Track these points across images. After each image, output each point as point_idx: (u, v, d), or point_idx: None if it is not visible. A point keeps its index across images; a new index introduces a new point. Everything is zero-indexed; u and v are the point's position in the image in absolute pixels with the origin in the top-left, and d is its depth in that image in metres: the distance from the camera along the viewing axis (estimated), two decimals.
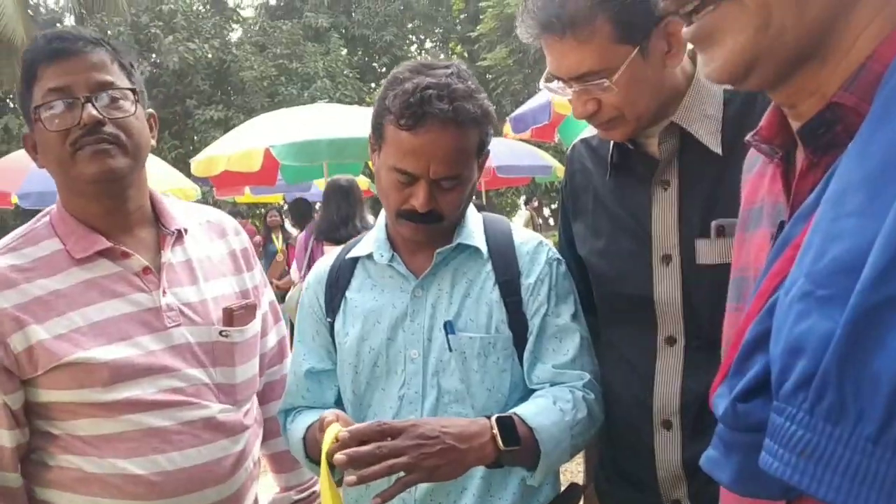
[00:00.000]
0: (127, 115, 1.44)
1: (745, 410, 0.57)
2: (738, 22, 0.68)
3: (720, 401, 0.61)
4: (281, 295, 6.38)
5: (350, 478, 1.25)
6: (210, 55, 19.56)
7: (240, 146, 7.26)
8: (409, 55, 25.31)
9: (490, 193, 16.28)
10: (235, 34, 22.76)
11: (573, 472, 1.80)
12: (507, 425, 1.35)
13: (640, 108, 1.35)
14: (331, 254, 1.71)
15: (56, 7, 20.78)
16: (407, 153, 1.41)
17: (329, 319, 1.60)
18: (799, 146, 0.75)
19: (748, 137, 0.82)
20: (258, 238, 9.70)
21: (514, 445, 1.34)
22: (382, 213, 1.63)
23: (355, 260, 1.62)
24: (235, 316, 1.59)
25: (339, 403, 1.61)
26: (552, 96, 6.68)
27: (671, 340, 1.42)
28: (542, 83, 1.43)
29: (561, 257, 1.59)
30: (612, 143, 1.48)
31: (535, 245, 1.57)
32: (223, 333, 1.56)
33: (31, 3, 19.89)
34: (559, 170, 11.81)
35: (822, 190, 0.58)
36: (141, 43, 19.15)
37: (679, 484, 1.41)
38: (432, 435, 1.28)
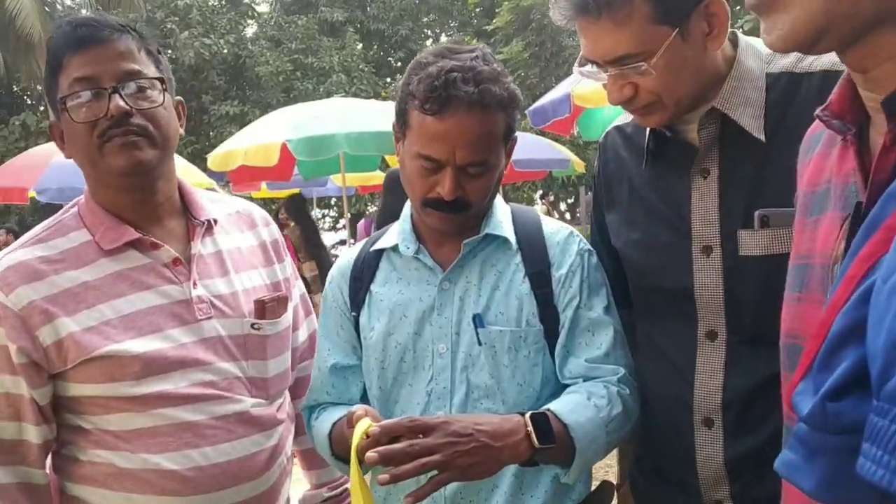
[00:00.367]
0: (155, 106, 1.41)
1: (836, 410, 0.51)
2: None
3: (803, 399, 0.55)
4: None
5: (383, 476, 1.20)
6: (225, 50, 19.55)
7: (256, 141, 7.25)
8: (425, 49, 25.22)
9: (506, 188, 16.21)
10: (251, 29, 22.75)
11: (605, 469, 1.76)
12: (542, 422, 1.30)
13: (679, 93, 1.30)
14: (353, 247, 1.67)
15: (73, 3, 20.83)
16: (432, 139, 1.37)
17: (354, 314, 1.56)
18: (872, 122, 0.69)
19: (817, 112, 0.76)
20: None
21: (549, 443, 1.30)
22: (408, 203, 1.59)
23: (380, 252, 1.58)
24: (267, 308, 1.56)
25: (364, 399, 1.57)
26: (572, 89, 6.63)
27: (712, 335, 1.36)
28: (575, 67, 1.37)
29: (592, 248, 1.54)
30: (648, 130, 1.42)
31: (565, 236, 1.52)
32: (255, 326, 1.53)
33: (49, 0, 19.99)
34: (576, 163, 11.73)
35: None
36: (156, 38, 19.19)
37: (721, 484, 1.36)
38: (465, 432, 1.23)
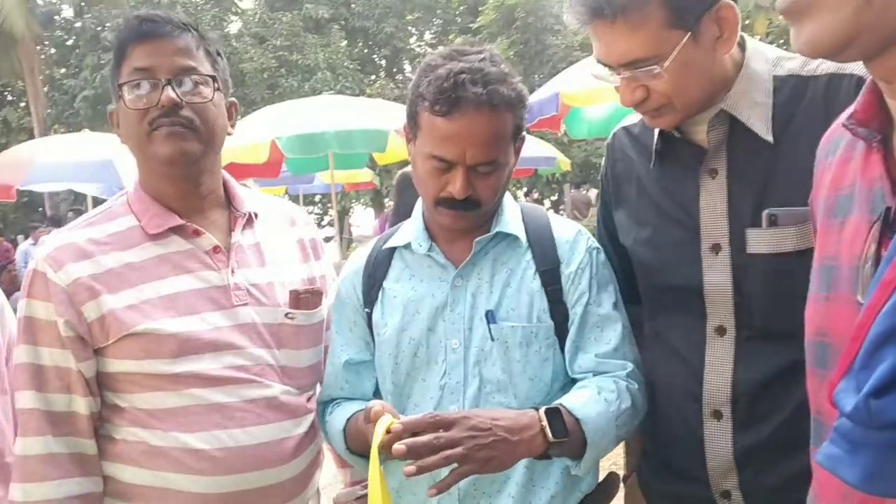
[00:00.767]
0: (205, 101, 1.49)
1: (880, 407, 0.55)
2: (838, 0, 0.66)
3: (845, 396, 0.58)
4: None
5: (409, 468, 1.25)
6: None
7: (246, 138, 7.25)
8: (409, 47, 25.25)
9: None
10: (235, 26, 22.67)
11: (611, 461, 1.80)
12: (555, 417, 1.35)
13: (690, 96, 1.34)
14: (366, 244, 1.70)
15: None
16: (443, 139, 1.40)
17: (367, 310, 1.59)
18: None
19: (843, 121, 0.80)
20: None
21: (563, 437, 1.34)
22: (419, 202, 1.62)
23: (392, 250, 1.61)
24: (301, 299, 1.61)
25: (377, 394, 1.60)
26: (560, 88, 6.69)
27: (721, 330, 1.40)
28: (591, 69, 1.41)
29: (599, 246, 1.58)
30: (656, 131, 1.46)
31: (574, 233, 1.56)
32: (289, 315, 1.58)
33: None
34: (562, 162, 11.80)
35: None
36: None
37: (730, 474, 1.40)
38: (484, 427, 1.28)
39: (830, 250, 0.84)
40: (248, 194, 1.68)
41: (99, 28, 21.10)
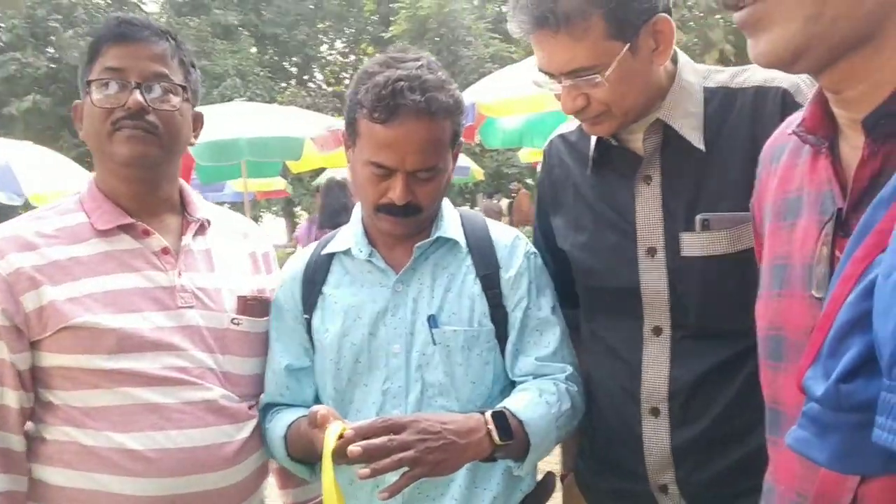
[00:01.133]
0: (172, 110, 1.50)
1: (848, 391, 0.58)
2: (788, 11, 0.71)
3: (814, 383, 0.62)
4: None
5: (364, 471, 1.25)
6: None
7: None
8: (321, 55, 25.09)
9: None
10: None
11: (548, 461, 1.83)
12: (501, 420, 1.38)
13: (628, 104, 1.39)
14: (304, 250, 1.69)
15: None
16: (382, 146, 1.41)
17: (306, 316, 1.58)
18: (843, 136, 0.78)
19: (793, 129, 0.85)
20: None
21: (508, 439, 1.37)
22: (358, 207, 1.62)
23: (331, 256, 1.60)
24: (249, 305, 1.59)
25: (317, 401, 1.59)
26: (476, 98, 6.77)
27: (657, 330, 1.46)
28: (532, 77, 1.45)
29: (536, 251, 1.62)
30: (592, 138, 1.51)
31: (512, 238, 1.59)
32: (235, 321, 1.56)
33: None
34: (476, 171, 11.95)
35: None
36: (37, 37, 18.32)
37: (667, 469, 1.45)
38: (435, 430, 1.30)
39: (781, 250, 0.88)
40: (204, 203, 1.67)
41: None
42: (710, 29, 13.96)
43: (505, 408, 1.41)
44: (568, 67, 1.35)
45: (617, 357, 1.51)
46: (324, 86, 25.06)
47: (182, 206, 1.62)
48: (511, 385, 1.55)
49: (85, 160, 12.54)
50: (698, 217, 1.39)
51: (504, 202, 17.06)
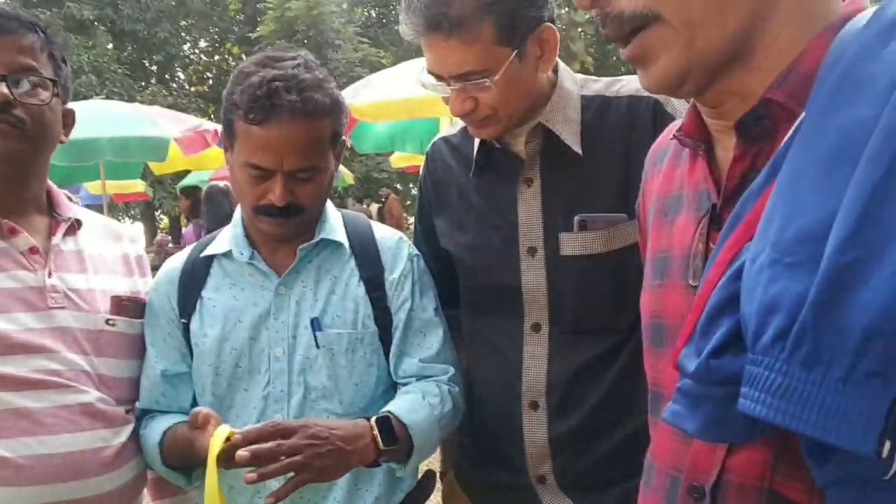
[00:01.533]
0: (41, 104, 1.42)
1: (718, 365, 0.64)
2: (667, 42, 0.78)
3: (687, 360, 0.68)
4: None
5: (251, 475, 1.23)
6: None
7: None
8: (184, 54, 24.26)
9: None
10: None
11: (428, 460, 1.84)
12: (386, 425, 1.39)
13: (513, 109, 1.44)
14: (180, 253, 1.65)
15: None
16: (259, 148, 1.40)
17: (183, 320, 1.54)
18: (717, 141, 0.86)
19: (675, 134, 0.92)
20: None
21: (393, 444, 1.39)
22: (238, 209, 1.59)
23: (211, 258, 1.57)
24: (124, 306, 1.53)
25: (195, 406, 1.55)
26: (349, 102, 6.75)
27: (537, 327, 1.51)
28: (420, 78, 1.47)
29: (419, 253, 1.64)
30: (476, 141, 1.56)
31: (396, 241, 1.61)
32: (110, 322, 1.50)
33: None
34: (346, 175, 11.90)
35: (768, 174, 0.67)
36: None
37: (545, 460, 1.51)
38: (323, 436, 1.30)
39: (663, 244, 0.95)
40: (72, 205, 1.60)
41: None
42: (572, 41, 14.59)
43: (389, 412, 1.42)
44: (458, 71, 1.38)
45: (499, 354, 1.55)
46: (186, 86, 24.25)
47: (50, 207, 1.54)
48: (394, 386, 1.56)
49: None
50: (576, 218, 1.45)
51: (374, 207, 17.05)
